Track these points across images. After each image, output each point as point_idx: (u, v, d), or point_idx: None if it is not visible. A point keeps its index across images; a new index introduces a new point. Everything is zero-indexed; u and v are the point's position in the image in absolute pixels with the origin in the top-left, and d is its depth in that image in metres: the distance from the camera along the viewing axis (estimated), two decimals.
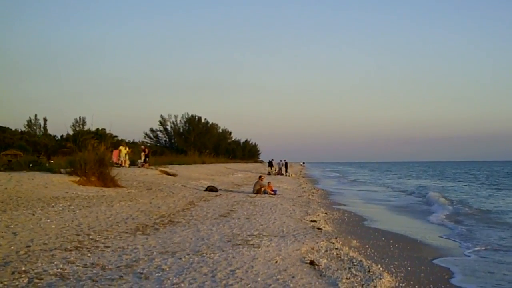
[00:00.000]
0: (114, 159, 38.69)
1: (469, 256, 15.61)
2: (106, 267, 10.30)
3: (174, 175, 39.21)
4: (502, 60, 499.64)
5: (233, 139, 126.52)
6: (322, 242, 14.94)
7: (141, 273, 9.94)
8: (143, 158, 45.09)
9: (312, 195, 36.60)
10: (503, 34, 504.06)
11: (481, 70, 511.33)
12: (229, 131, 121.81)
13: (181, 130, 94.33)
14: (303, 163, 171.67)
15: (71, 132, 55.33)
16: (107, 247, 12.46)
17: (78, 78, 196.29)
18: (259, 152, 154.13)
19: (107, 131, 55.62)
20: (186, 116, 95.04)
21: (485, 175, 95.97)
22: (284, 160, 74.78)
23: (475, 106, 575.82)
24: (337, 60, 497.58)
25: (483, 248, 16.84)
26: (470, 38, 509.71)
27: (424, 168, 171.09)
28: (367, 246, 16.01)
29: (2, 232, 13.17)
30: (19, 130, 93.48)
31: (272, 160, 77.78)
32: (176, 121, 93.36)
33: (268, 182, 33.82)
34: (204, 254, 12.10)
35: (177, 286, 9.20)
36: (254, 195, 30.75)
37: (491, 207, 33.11)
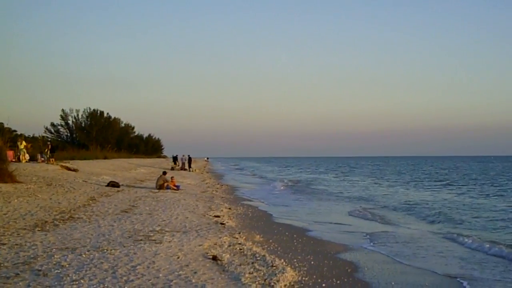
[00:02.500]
0: (10, 158, 37.47)
1: (371, 250, 16.01)
2: (2, 265, 9.99)
3: (75, 170, 38.28)
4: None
5: (136, 133, 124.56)
6: (225, 237, 14.98)
7: (39, 270, 9.68)
8: (48, 153, 43.91)
9: (216, 191, 36.66)
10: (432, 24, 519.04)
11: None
12: (132, 125, 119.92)
13: (83, 125, 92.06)
14: (207, 158, 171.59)
15: None
16: (3, 244, 12.07)
17: None
18: (163, 147, 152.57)
19: (5, 125, 53.75)
20: (88, 111, 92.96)
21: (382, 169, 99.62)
22: (188, 155, 74.40)
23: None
24: (249, 53, 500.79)
25: (384, 243, 17.40)
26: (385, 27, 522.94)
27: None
28: (270, 240, 16.17)
29: None
30: None
31: (177, 155, 77.29)
32: (77, 115, 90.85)
33: (171, 177, 33.59)
34: (105, 250, 11.91)
35: (77, 282, 9.01)
36: (157, 190, 30.50)
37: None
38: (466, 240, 17.79)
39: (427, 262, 14.32)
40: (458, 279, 12.43)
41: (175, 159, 76.00)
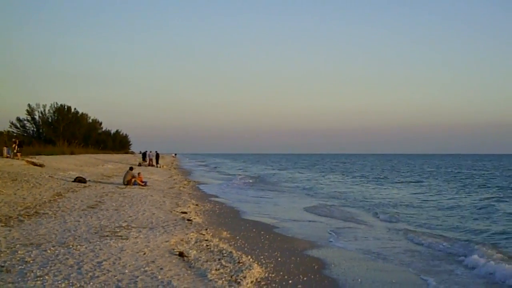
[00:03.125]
0: None
1: (338, 247, 16.08)
2: None
3: (41, 165, 37.84)
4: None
5: (103, 129, 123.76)
6: (192, 234, 14.96)
7: (2, 266, 9.59)
8: (16, 148, 43.47)
9: (183, 187, 36.48)
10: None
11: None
12: (100, 121, 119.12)
13: (50, 120, 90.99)
14: (175, 154, 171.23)
15: None
16: None
17: None
18: (130, 143, 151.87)
19: None
20: (55, 106, 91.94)
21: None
22: (155, 151, 74.16)
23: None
24: (219, 49, 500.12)
25: (350, 240, 17.55)
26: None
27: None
28: (237, 237, 16.15)
29: None
30: None
31: (146, 151, 76.94)
32: (44, 110, 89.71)
33: (139, 173, 33.40)
34: (71, 246, 11.83)
35: (41, 278, 8.93)
36: (124, 186, 30.33)
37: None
38: (427, 239, 18.07)
39: (392, 259, 14.45)
40: (421, 276, 12.57)
41: (144, 155, 75.67)
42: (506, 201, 32.30)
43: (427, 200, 33.74)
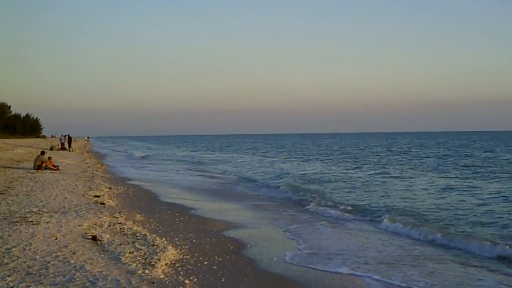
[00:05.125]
0: None
1: (256, 227, 16.14)
2: None
3: None
4: None
5: (12, 113, 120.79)
6: (105, 217, 14.81)
7: None
8: None
9: (96, 170, 35.92)
10: None
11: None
12: (8, 105, 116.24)
13: None
14: (88, 137, 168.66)
15: None
16: None
17: None
18: (42, 126, 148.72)
19: None
20: None
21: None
22: (67, 134, 72.80)
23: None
24: (135, 28, 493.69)
25: (268, 219, 17.75)
26: None
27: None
28: (151, 219, 16.05)
29: None
30: None
31: (68, 135, 75.15)
32: None
33: (49, 157, 32.71)
34: None
35: None
36: (35, 171, 29.64)
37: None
38: (334, 212, 19.42)
39: (310, 238, 14.62)
40: (343, 252, 12.81)
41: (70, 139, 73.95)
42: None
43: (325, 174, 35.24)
